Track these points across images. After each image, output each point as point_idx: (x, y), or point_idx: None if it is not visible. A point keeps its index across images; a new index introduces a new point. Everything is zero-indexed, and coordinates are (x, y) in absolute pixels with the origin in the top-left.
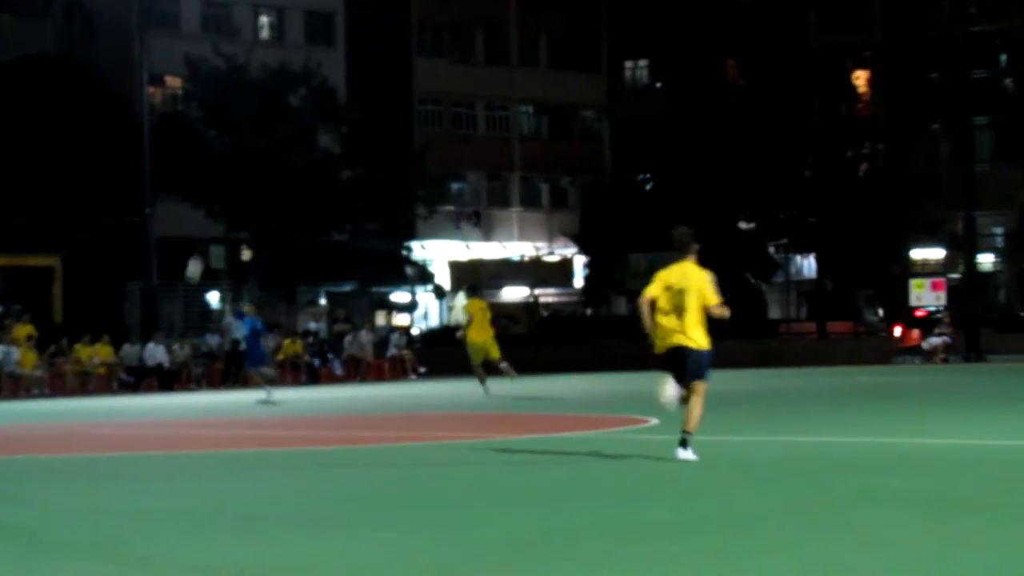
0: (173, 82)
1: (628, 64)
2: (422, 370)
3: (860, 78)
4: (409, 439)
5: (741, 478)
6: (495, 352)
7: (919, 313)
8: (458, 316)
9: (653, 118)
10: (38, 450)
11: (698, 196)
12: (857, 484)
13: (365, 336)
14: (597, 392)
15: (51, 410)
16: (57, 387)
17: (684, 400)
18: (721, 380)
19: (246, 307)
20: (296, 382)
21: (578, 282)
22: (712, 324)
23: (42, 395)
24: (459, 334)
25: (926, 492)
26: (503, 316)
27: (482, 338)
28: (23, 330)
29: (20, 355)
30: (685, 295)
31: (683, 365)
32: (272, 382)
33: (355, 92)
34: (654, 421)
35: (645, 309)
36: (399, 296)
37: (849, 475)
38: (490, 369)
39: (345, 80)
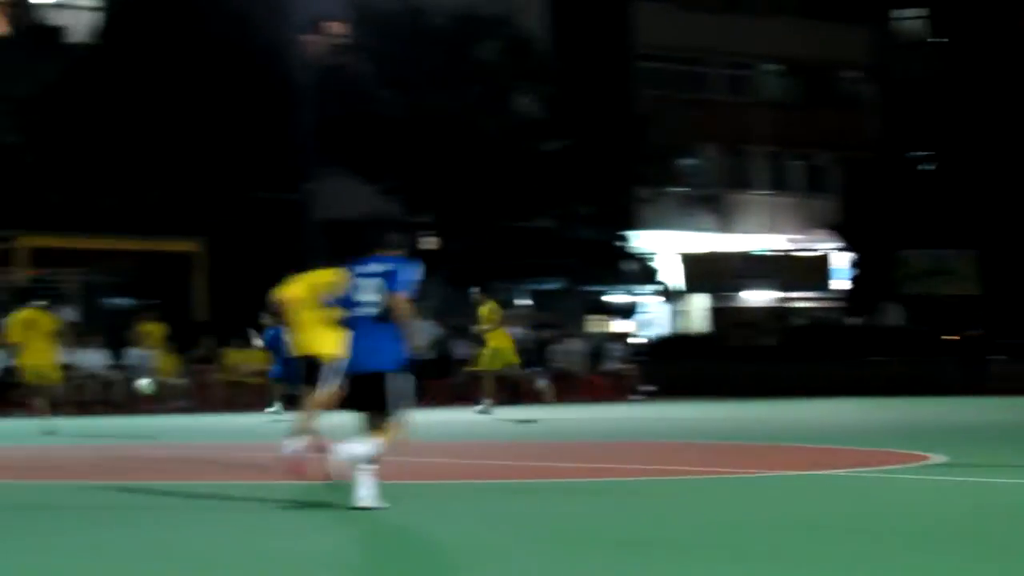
0: (336, 29)
1: (901, 13)
2: (647, 388)
3: None
4: (651, 473)
5: None
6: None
7: None
8: None
9: (931, 81)
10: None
11: (989, 179)
12: None
13: (576, 345)
14: (862, 420)
15: (196, 427)
16: (202, 400)
17: None
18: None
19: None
20: (497, 400)
21: (838, 284)
22: None
23: (185, 409)
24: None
25: None
26: (745, 324)
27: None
28: (157, 330)
29: (157, 360)
30: None
31: None
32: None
33: (561, 45)
34: (937, 458)
35: None
36: (616, 297)
37: None
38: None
39: (549, 30)
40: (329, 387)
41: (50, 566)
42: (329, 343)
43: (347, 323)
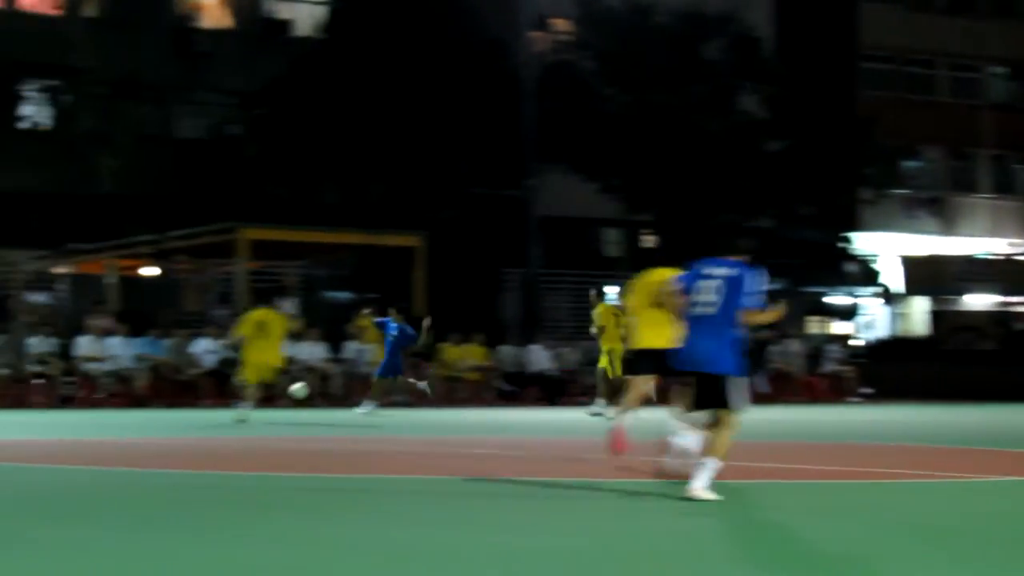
0: (561, 26)
1: None
2: (866, 391)
3: None
4: (875, 476)
5: None
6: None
7: None
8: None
9: None
10: (367, 470)
11: None
12: None
13: (795, 346)
14: None
15: (413, 421)
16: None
17: None
18: None
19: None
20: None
21: None
22: None
23: (403, 404)
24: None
25: None
26: (965, 328)
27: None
28: (367, 323)
29: (375, 354)
30: None
31: None
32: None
33: (786, 44)
34: None
35: None
36: (837, 299)
37: None
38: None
39: (774, 29)
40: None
41: (286, 557)
42: (662, 337)
43: (687, 319)
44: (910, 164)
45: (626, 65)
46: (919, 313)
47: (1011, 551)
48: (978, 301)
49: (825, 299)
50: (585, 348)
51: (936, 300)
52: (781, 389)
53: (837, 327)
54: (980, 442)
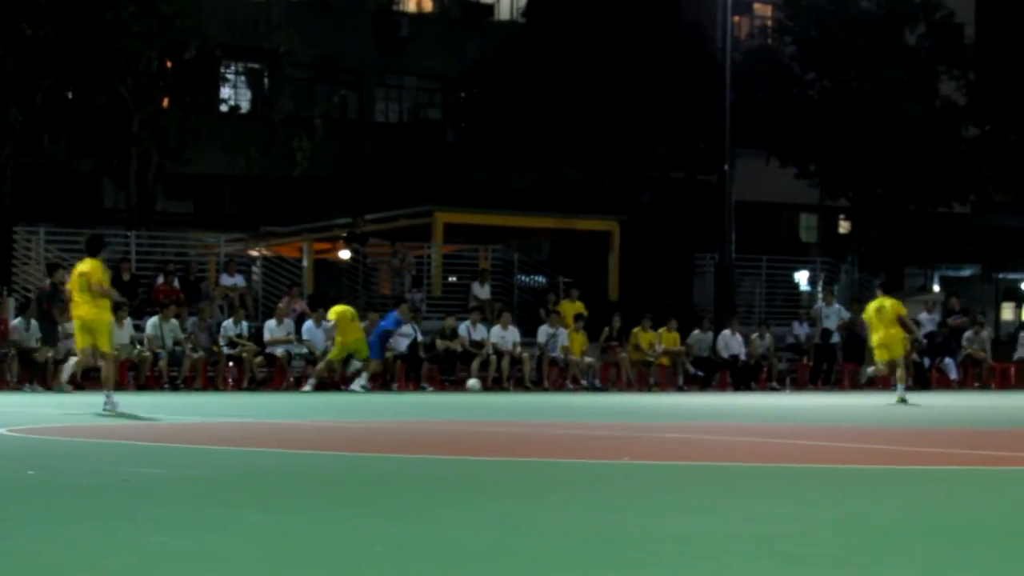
0: (763, 11)
1: None
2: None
3: None
4: None
5: None
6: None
7: None
8: None
9: None
10: (562, 455)
11: None
12: None
13: (987, 333)
14: None
15: (604, 406)
16: (610, 378)
17: None
18: None
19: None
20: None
21: None
22: None
23: (592, 387)
24: None
25: None
26: None
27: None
28: (572, 308)
29: (568, 338)
30: None
31: None
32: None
33: (987, 30)
34: None
35: None
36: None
37: None
38: None
39: (975, 15)
40: None
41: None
42: None
43: None
44: None
45: (826, 50)
46: None
47: None
48: None
49: (1021, 285)
50: (777, 334)
51: None
52: (973, 376)
53: None
54: None
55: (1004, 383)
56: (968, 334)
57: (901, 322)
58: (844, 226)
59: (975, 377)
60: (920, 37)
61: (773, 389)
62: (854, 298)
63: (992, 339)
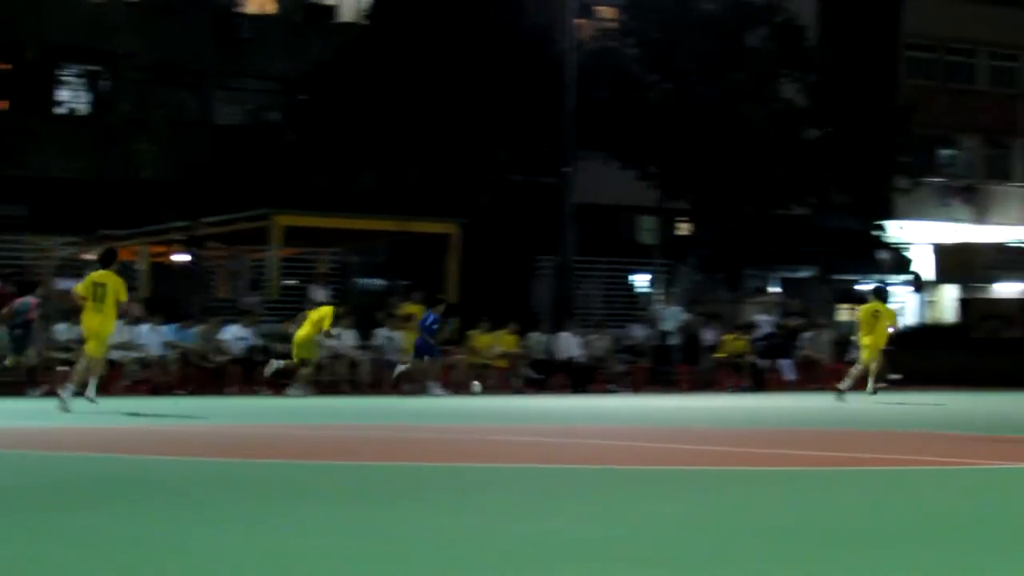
0: (606, 13)
1: None
2: (894, 377)
3: None
4: (901, 463)
5: None
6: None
7: None
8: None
9: None
10: (404, 458)
11: None
12: None
13: (825, 334)
14: None
15: (441, 408)
16: (447, 381)
17: None
18: None
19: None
20: (737, 386)
21: None
22: None
23: (426, 392)
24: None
25: None
26: (995, 316)
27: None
28: (408, 311)
29: (405, 341)
30: None
31: None
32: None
33: (829, 32)
34: None
35: None
36: (868, 287)
37: None
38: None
39: (817, 17)
40: None
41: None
42: None
43: None
44: (946, 153)
45: (668, 52)
46: (949, 301)
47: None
48: (1008, 289)
49: (856, 287)
50: (615, 335)
51: (966, 288)
52: (809, 377)
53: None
54: (1005, 429)
55: (839, 383)
56: (807, 335)
57: (888, 331)
58: (684, 228)
59: (812, 378)
60: (762, 39)
61: (610, 391)
62: (693, 300)
63: (833, 340)
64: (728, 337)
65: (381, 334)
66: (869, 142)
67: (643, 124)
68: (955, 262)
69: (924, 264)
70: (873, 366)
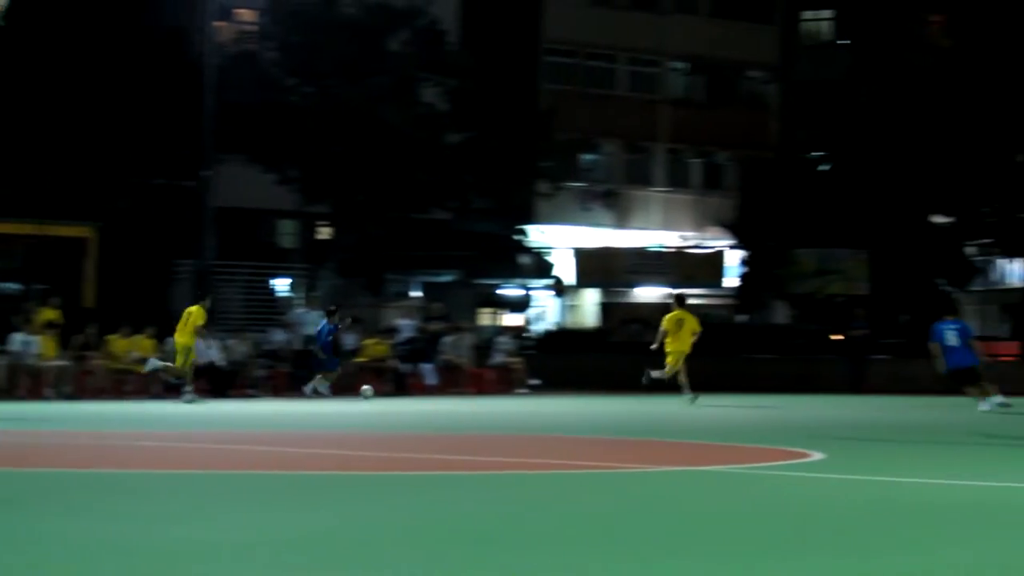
0: (245, 16)
1: (807, 15)
2: (533, 382)
3: None
4: (532, 467)
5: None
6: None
7: None
8: None
9: (834, 83)
10: (51, 463)
11: (884, 182)
12: None
13: (467, 338)
14: (746, 417)
15: (76, 414)
16: (84, 387)
17: None
18: (900, 408)
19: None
20: (380, 391)
21: (731, 282)
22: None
23: (65, 396)
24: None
25: None
26: (634, 320)
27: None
28: (45, 315)
29: (40, 346)
30: None
31: None
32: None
33: (470, 37)
34: (816, 456)
35: None
36: (510, 291)
37: None
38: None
39: (458, 22)
40: None
41: None
42: None
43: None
44: (587, 157)
45: (309, 56)
46: (590, 305)
47: (657, 538)
48: (648, 293)
49: (498, 291)
50: (255, 340)
51: (607, 292)
52: (450, 381)
53: (509, 319)
54: (643, 433)
55: (480, 387)
56: (448, 339)
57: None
58: (325, 232)
59: (453, 382)
60: (403, 43)
61: (250, 396)
62: (335, 304)
63: (474, 345)
64: (369, 341)
65: (17, 339)
66: (510, 146)
67: (283, 128)
68: (596, 266)
69: (565, 268)
70: (682, 377)
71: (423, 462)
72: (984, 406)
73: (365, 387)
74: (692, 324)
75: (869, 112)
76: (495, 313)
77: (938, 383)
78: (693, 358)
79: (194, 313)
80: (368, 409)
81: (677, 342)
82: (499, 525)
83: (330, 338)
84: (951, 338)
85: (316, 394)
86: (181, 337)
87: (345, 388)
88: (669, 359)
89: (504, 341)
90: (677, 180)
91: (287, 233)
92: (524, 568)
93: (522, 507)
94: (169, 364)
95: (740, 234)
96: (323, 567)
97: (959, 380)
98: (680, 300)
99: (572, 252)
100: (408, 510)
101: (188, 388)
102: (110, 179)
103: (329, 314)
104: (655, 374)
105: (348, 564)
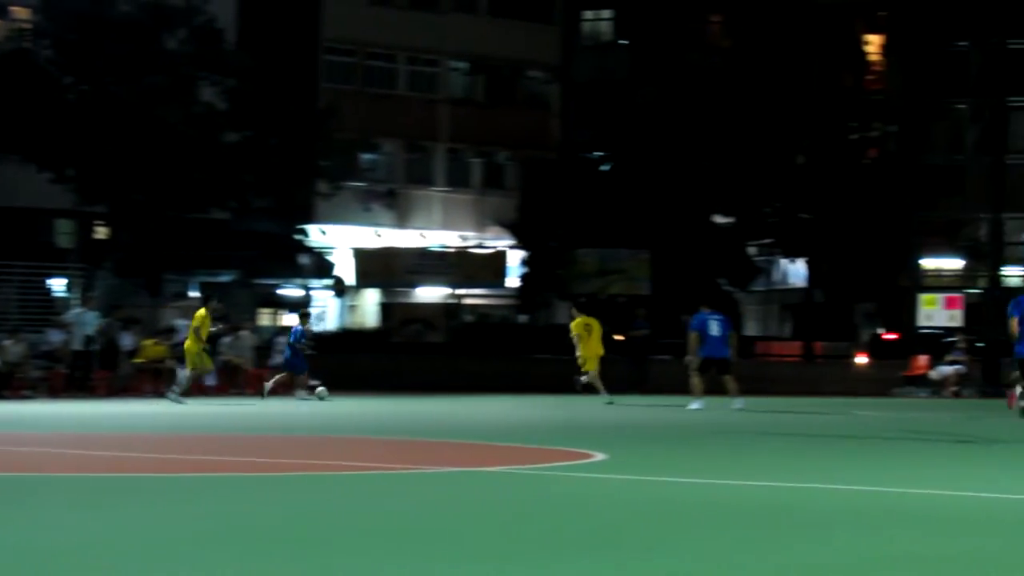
0: (20, 13)
1: (587, 15)
2: (314, 383)
3: (871, 44)
4: (317, 468)
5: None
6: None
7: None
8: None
9: (615, 83)
10: None
11: (665, 181)
12: (865, 544)
13: (246, 339)
14: (528, 417)
15: None
16: None
17: None
18: (682, 408)
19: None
20: (159, 393)
21: (512, 282)
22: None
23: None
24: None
25: (947, 554)
26: (415, 320)
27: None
28: None
29: None
30: None
31: None
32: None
33: (247, 36)
34: (598, 456)
35: None
36: (290, 291)
37: (851, 532)
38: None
39: (236, 21)
40: None
41: None
42: None
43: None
44: (367, 157)
45: (85, 54)
46: (370, 305)
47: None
48: (429, 294)
49: (278, 291)
50: (32, 341)
51: (387, 292)
52: (231, 382)
53: (288, 319)
54: (424, 435)
55: (261, 388)
56: (227, 340)
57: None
58: (101, 232)
59: (233, 383)
60: (180, 42)
61: (27, 397)
62: (111, 305)
63: (255, 345)
64: (147, 342)
65: None
66: (289, 146)
67: (59, 126)
68: (376, 266)
69: (346, 268)
70: (597, 383)
71: (205, 464)
72: (738, 404)
73: (320, 388)
74: (598, 327)
75: (650, 112)
76: (275, 313)
77: (716, 384)
78: (473, 359)
79: None
80: (157, 410)
81: (589, 347)
82: (283, 527)
83: (303, 340)
84: (714, 328)
85: (304, 400)
86: None
87: (122, 390)
88: (589, 364)
89: (283, 342)
90: (457, 180)
91: (64, 233)
92: (297, 571)
93: (307, 508)
94: None
95: (521, 234)
96: (100, 570)
97: (715, 368)
98: (580, 307)
99: (352, 252)
100: (181, 511)
101: None
102: None
103: (302, 317)
104: (583, 379)
105: (126, 565)
